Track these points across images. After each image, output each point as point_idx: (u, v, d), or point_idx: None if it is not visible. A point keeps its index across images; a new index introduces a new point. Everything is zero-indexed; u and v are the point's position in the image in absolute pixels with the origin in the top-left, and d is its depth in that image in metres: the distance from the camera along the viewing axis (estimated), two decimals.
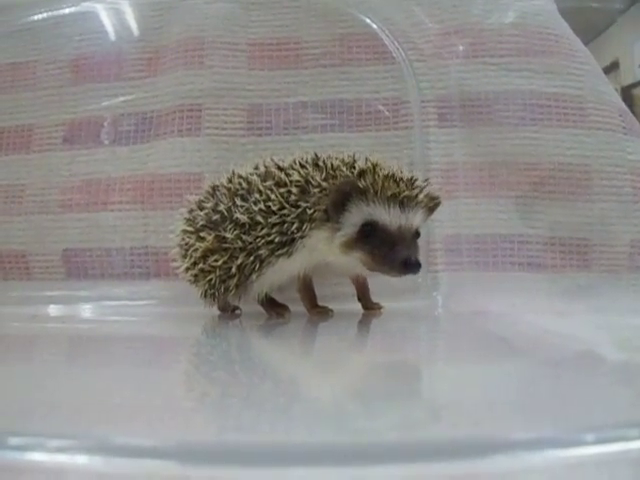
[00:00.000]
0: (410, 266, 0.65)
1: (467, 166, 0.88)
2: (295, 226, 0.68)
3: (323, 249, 0.69)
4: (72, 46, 0.99)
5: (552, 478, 0.25)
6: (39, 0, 1.01)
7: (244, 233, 0.70)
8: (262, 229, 0.69)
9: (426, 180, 0.71)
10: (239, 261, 0.70)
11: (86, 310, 0.91)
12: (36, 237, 0.94)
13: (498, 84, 0.88)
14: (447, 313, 0.84)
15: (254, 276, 0.71)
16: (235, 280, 0.72)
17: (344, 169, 0.69)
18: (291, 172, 0.70)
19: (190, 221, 0.77)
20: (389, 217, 0.66)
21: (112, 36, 0.98)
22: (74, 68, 0.98)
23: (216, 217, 0.73)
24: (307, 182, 0.69)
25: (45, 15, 1.01)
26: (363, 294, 0.80)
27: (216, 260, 0.72)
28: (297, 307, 0.79)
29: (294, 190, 0.69)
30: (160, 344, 0.69)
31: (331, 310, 0.77)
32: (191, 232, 0.75)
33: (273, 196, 0.69)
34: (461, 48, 0.90)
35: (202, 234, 0.73)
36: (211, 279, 0.74)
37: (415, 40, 0.91)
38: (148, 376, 0.46)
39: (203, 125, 0.91)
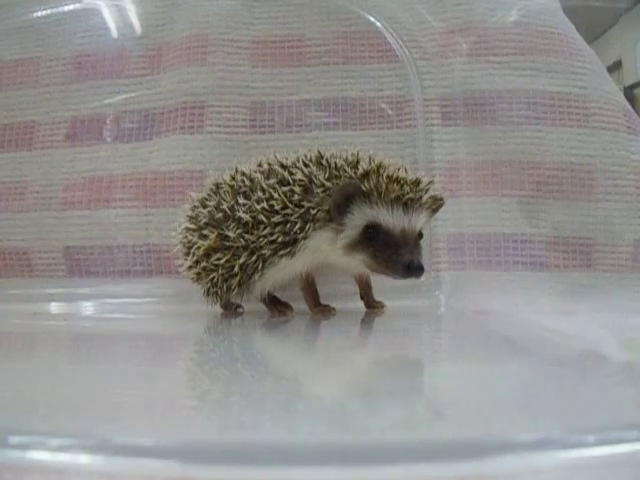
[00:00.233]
0: (413, 270, 0.64)
1: (470, 165, 0.87)
2: (298, 226, 0.68)
3: (326, 250, 0.69)
4: (75, 43, 0.99)
5: (558, 479, 0.24)
6: None
7: (247, 232, 0.70)
8: (265, 228, 0.69)
9: (430, 182, 0.70)
10: (242, 260, 0.70)
11: (88, 308, 0.91)
12: (38, 234, 0.94)
13: (502, 83, 0.88)
14: (450, 312, 0.83)
15: (256, 275, 0.71)
16: (238, 279, 0.72)
17: (348, 169, 0.68)
18: (294, 170, 0.70)
19: (193, 219, 0.76)
20: (392, 220, 0.66)
21: (115, 33, 0.98)
22: (77, 65, 0.98)
23: (219, 215, 0.73)
24: (310, 181, 0.69)
25: (48, 12, 1.00)
26: (366, 292, 0.80)
27: (219, 259, 0.72)
28: (300, 305, 0.79)
29: (297, 189, 0.68)
30: (162, 342, 0.69)
31: (333, 308, 0.77)
32: (193, 230, 0.75)
33: (276, 195, 0.69)
34: (465, 46, 0.89)
35: (205, 232, 0.73)
36: (214, 277, 0.73)
37: (419, 38, 0.91)
38: (150, 374, 0.46)
39: (206, 123, 0.91)
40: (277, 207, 0.68)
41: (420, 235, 0.69)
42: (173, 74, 0.93)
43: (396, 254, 0.65)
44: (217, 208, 0.73)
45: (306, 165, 0.70)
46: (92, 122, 0.96)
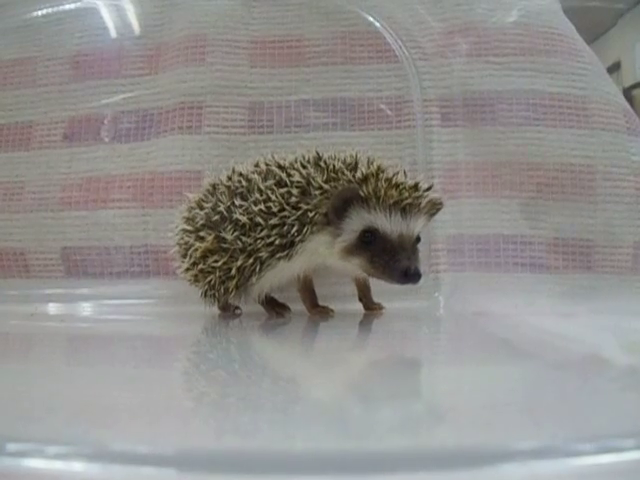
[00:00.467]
0: (410, 276, 0.64)
1: (470, 166, 0.87)
2: (295, 229, 0.67)
3: (323, 253, 0.69)
4: (73, 43, 0.98)
5: None
6: None
7: (244, 234, 0.69)
8: (262, 230, 0.68)
9: (429, 188, 0.70)
10: (239, 263, 0.70)
11: (85, 309, 0.90)
12: (35, 235, 0.94)
13: (501, 83, 0.88)
14: (449, 314, 0.83)
15: (254, 278, 0.71)
16: (235, 281, 0.72)
17: (346, 172, 0.68)
18: (292, 172, 0.69)
19: (189, 220, 0.76)
20: (390, 225, 0.66)
21: (113, 33, 0.98)
22: (75, 65, 0.97)
23: (216, 217, 0.72)
24: (308, 183, 0.68)
25: (46, 11, 1.00)
26: (364, 294, 0.80)
27: (216, 261, 0.72)
28: (298, 306, 0.79)
29: (295, 191, 0.68)
30: (160, 343, 0.69)
31: (332, 310, 0.77)
32: (190, 231, 0.75)
33: (273, 197, 0.68)
34: (464, 47, 0.89)
35: (201, 234, 0.73)
36: (211, 280, 0.73)
37: (418, 39, 0.91)
38: (147, 375, 0.46)
39: (204, 123, 0.90)
40: (274, 209, 0.68)
41: (417, 239, 0.68)
42: (171, 74, 0.93)
43: (393, 260, 0.65)
44: (214, 209, 0.73)
45: (304, 167, 0.70)
46: (90, 122, 0.95)
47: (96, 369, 0.48)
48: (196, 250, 0.73)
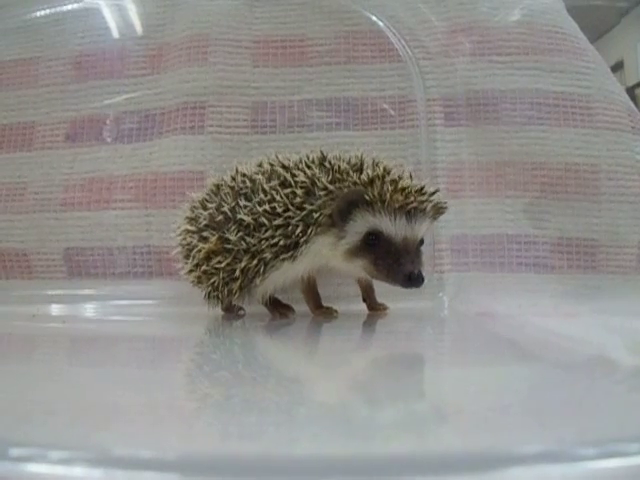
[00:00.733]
0: (413, 280, 0.64)
1: (473, 165, 0.87)
2: (300, 229, 0.67)
3: (327, 254, 0.69)
4: (75, 43, 0.98)
5: None
6: None
7: (248, 235, 0.69)
8: (266, 231, 0.68)
9: (434, 192, 0.69)
10: (243, 264, 0.70)
11: (88, 309, 0.90)
12: (37, 235, 0.94)
13: (505, 83, 0.88)
14: (453, 314, 0.83)
15: (258, 279, 0.70)
16: (239, 283, 0.71)
17: (352, 174, 0.68)
18: (296, 172, 0.69)
19: (192, 220, 0.76)
20: (394, 228, 0.65)
21: (115, 33, 0.98)
22: (77, 65, 0.97)
23: (219, 217, 0.72)
24: (313, 184, 0.68)
25: (48, 12, 1.00)
26: (368, 295, 0.79)
27: (219, 262, 0.71)
28: (301, 307, 0.78)
29: (299, 192, 0.68)
30: (163, 344, 0.69)
31: (335, 311, 0.77)
32: (193, 232, 0.74)
33: (278, 197, 0.68)
34: (468, 46, 0.89)
35: (205, 234, 0.73)
36: (214, 281, 0.73)
37: (421, 38, 0.90)
38: (150, 377, 0.45)
39: (206, 123, 0.90)
40: (279, 209, 0.68)
41: (421, 242, 0.68)
42: (174, 74, 0.93)
43: (397, 263, 0.65)
44: (218, 210, 0.72)
45: (308, 167, 0.70)
46: (92, 122, 0.95)
47: (98, 370, 0.48)
48: (199, 251, 0.73)
